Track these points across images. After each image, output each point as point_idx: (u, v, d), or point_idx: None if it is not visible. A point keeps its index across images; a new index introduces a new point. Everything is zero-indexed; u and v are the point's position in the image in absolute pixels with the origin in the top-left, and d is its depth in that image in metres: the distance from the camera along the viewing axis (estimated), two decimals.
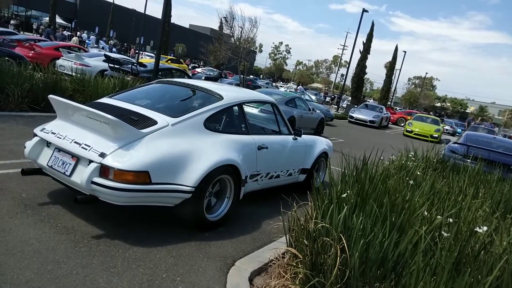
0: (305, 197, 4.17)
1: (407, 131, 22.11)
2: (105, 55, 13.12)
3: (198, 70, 36.97)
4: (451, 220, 3.37)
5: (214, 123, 4.08)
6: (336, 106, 35.05)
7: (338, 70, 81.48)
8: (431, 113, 52.95)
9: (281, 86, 53.88)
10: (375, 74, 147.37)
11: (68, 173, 3.41)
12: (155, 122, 3.61)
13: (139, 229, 3.70)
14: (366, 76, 41.08)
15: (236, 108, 4.42)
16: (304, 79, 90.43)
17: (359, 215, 2.84)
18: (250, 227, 4.30)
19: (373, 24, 35.13)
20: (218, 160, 3.68)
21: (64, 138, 3.51)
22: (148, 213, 4.07)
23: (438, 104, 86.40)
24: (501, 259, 2.75)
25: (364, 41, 35.56)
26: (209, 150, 3.70)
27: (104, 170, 3.22)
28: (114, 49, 34.73)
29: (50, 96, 3.78)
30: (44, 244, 3.12)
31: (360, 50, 36.35)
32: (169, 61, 31.99)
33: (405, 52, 47.17)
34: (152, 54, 40.08)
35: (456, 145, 9.49)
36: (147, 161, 3.28)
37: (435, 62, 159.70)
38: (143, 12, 41.90)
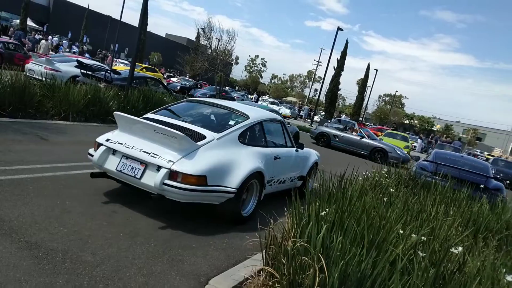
0: (282, 212, 4.11)
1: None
2: (78, 61, 12.73)
3: (173, 79, 36.59)
4: (425, 238, 3.41)
5: (244, 138, 4.96)
6: (309, 120, 35.53)
7: (312, 85, 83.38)
8: (401, 129, 54.75)
9: (253, 98, 54.16)
10: (348, 90, 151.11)
11: (138, 176, 4.19)
12: (204, 137, 4.52)
13: (108, 245, 3.53)
14: (339, 91, 42.06)
15: (258, 125, 5.34)
16: (279, 93, 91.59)
17: (338, 233, 2.80)
18: (225, 243, 4.19)
19: (347, 42, 36.04)
20: (251, 168, 4.61)
21: (132, 148, 4.31)
22: (118, 226, 3.90)
23: (407, 121, 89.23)
24: (475, 279, 2.78)
25: (338, 58, 36.35)
26: (244, 160, 4.61)
27: (173, 174, 4.04)
28: (87, 55, 33.94)
29: (116, 113, 4.59)
30: (4, 260, 2.91)
31: (334, 67, 37.13)
32: (144, 70, 31.55)
33: (376, 70, 48.64)
34: (127, 62, 39.47)
35: (425, 162, 9.74)
36: (205, 167, 4.16)
37: (405, 81, 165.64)
38: (118, 18, 41.36)
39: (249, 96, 50.11)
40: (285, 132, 6.13)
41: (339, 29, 28.77)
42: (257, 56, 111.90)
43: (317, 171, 6.99)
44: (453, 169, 8.55)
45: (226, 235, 4.38)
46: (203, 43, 20.32)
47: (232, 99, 26.06)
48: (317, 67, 77.08)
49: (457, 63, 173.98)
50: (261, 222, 3.81)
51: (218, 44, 17.84)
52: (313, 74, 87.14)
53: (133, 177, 4.23)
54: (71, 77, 12.43)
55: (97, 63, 16.59)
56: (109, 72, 12.30)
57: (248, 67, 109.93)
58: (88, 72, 12.16)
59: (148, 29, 49.23)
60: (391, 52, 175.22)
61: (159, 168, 4.11)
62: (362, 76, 47.35)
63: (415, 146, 33.93)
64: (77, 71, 12.62)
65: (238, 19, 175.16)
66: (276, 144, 5.90)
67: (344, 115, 51.60)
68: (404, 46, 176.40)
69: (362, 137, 17.17)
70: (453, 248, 2.84)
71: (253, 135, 5.20)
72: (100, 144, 4.56)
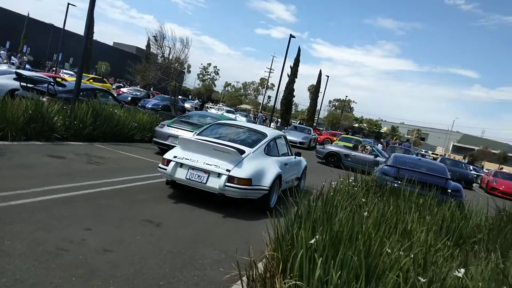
0: (259, 237, 3.71)
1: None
2: (17, 73, 11.57)
3: (124, 90, 35.07)
4: (412, 255, 3.16)
5: (266, 150, 6.82)
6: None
7: (265, 92, 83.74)
8: (350, 132, 54.87)
9: (210, 107, 53.29)
10: (299, 96, 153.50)
11: (204, 182, 5.88)
12: (244, 151, 6.30)
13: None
14: (293, 98, 42.48)
15: (273, 140, 7.22)
16: (234, 101, 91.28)
17: (332, 266, 2.45)
18: (195, 275, 3.72)
19: (299, 50, 36.64)
20: (276, 172, 6.45)
21: (197, 161, 5.96)
22: (69, 268, 3.31)
23: (356, 125, 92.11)
24: None
25: (292, 66, 36.69)
26: (270, 167, 6.45)
27: (231, 179, 5.78)
28: (28, 66, 31.69)
29: (181, 137, 6.56)
30: None
31: (288, 74, 37.41)
32: (92, 80, 29.99)
33: (328, 76, 49.77)
34: (72, 72, 37.41)
35: (387, 167, 9.79)
36: (251, 173, 5.93)
37: (352, 86, 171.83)
38: (61, 27, 39.19)
39: (206, 106, 49.54)
40: (287, 144, 8.15)
41: (291, 36, 29.04)
42: (209, 64, 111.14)
43: (306, 173, 9.00)
44: (413, 172, 8.61)
45: (197, 265, 3.91)
46: (154, 52, 19.52)
47: (183, 110, 25.37)
48: (269, 74, 77.62)
49: (399, 68, 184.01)
50: (239, 244, 3.38)
51: (170, 52, 17.18)
52: (266, 82, 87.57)
53: (199, 183, 5.92)
54: (9, 91, 11.27)
55: (40, 74, 15.24)
56: (53, 84, 11.27)
57: (201, 76, 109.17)
58: (28, 85, 11.08)
59: (94, 38, 47.12)
60: (338, 59, 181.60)
61: (219, 175, 5.83)
62: (314, 82, 48.57)
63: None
64: (16, 84, 11.46)
65: (188, 27, 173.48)
66: (283, 153, 7.67)
67: (298, 121, 52.27)
68: (350, 52, 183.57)
69: (376, 155, 16.73)
70: (456, 271, 2.59)
71: (271, 148, 7.07)
72: (169, 160, 6.11)
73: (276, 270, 2.69)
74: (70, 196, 5.29)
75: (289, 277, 2.46)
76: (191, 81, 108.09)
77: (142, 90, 35.10)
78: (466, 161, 34.32)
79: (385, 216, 4.26)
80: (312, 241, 2.65)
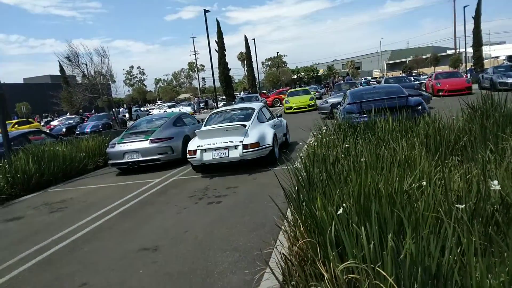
0: (259, 221, 3.39)
1: (287, 108, 23.23)
2: None
3: (54, 123, 32.49)
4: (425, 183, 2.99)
5: (259, 119, 8.75)
6: (205, 111, 34.71)
7: (198, 75, 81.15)
8: (298, 85, 54.87)
9: (151, 109, 51.15)
10: (235, 68, 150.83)
11: (227, 155, 7.72)
12: (245, 125, 8.13)
13: None
14: (229, 72, 41.64)
15: (260, 110, 9.14)
16: (170, 94, 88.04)
17: (375, 230, 2.18)
18: (222, 287, 3.38)
19: (218, 22, 35.53)
20: (273, 132, 8.41)
21: (216, 143, 7.77)
22: None
23: (295, 76, 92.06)
24: None
25: (217, 40, 35.75)
26: (266, 129, 8.37)
27: (245, 146, 7.63)
28: None
29: (197, 131, 8.26)
30: None
31: (216, 50, 36.44)
32: (17, 125, 27.63)
33: (254, 39, 49.31)
34: None
35: (349, 105, 9.69)
36: (257, 137, 7.81)
37: (278, 41, 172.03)
38: None
39: (147, 109, 47.23)
40: (268, 110, 9.97)
41: (206, 11, 28.05)
42: (131, 67, 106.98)
43: (288, 129, 10.65)
44: (375, 102, 8.59)
45: (218, 276, 3.56)
46: (71, 73, 18.06)
47: (124, 122, 24.11)
48: (195, 56, 75.51)
49: (314, 9, 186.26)
50: (245, 237, 3.05)
51: (91, 67, 15.89)
52: (195, 64, 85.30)
53: (224, 157, 7.72)
54: None
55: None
56: None
57: (127, 81, 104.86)
58: None
59: (1, 82, 43.24)
60: (256, 19, 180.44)
61: (236, 147, 7.66)
62: (243, 50, 47.78)
63: (319, 95, 34.93)
64: None
65: (95, 37, 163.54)
66: (269, 118, 9.44)
67: (242, 92, 51.34)
68: (264, 10, 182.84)
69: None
70: (492, 184, 2.43)
71: (261, 117, 8.94)
72: (195, 150, 7.86)
73: (314, 255, 2.39)
74: (47, 256, 4.67)
75: (331, 260, 2.17)
76: (121, 90, 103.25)
77: (73, 116, 32.76)
78: (405, 75, 35.80)
79: (379, 156, 4.07)
80: (340, 211, 2.36)
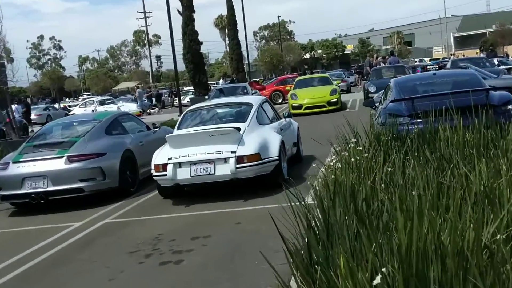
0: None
1: (294, 107, 15.56)
2: None
3: None
4: None
5: (259, 119, 6.48)
6: (155, 109, 26.03)
7: (150, 51, 51.16)
8: (308, 71, 34.91)
9: (71, 106, 33.37)
10: (210, 41, 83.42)
11: (212, 173, 5.55)
12: (239, 128, 5.94)
13: None
14: (201, 45, 26.84)
15: (261, 107, 6.77)
16: (103, 83, 58.17)
17: None
18: None
19: None
20: (279, 139, 6.15)
21: (196, 155, 5.57)
22: None
23: (307, 56, 62.58)
24: None
25: None
26: (270, 135, 6.15)
27: (239, 159, 5.48)
28: None
29: (168, 136, 6.03)
30: None
31: (179, 11, 22.67)
32: None
33: None
34: None
35: (393, 104, 6.33)
36: (256, 147, 5.65)
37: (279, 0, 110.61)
38: None
39: (67, 106, 32.68)
40: (272, 107, 7.58)
41: None
42: (41, 38, 67.58)
43: (300, 136, 7.81)
44: (435, 98, 5.80)
45: None
46: None
47: (25, 127, 17.98)
48: (145, 21, 48.23)
49: None
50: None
51: None
52: (144, 35, 54.70)
53: (208, 175, 5.56)
54: None
55: None
56: None
57: (34, 60, 68.58)
58: None
59: None
60: None
61: (225, 160, 5.48)
62: (223, 12, 31.98)
63: (345, 85, 23.99)
64: None
65: None
66: (272, 118, 7.09)
67: (222, 80, 30.57)
68: None
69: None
70: None
71: (261, 116, 6.63)
72: (165, 165, 5.62)
73: None
74: None
75: None
76: (22, 74, 56.43)
77: None
78: (485, 55, 23.80)
79: (442, 188, 3.01)
80: (378, 280, 1.76)
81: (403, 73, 15.49)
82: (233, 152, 5.48)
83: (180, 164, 5.60)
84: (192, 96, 26.94)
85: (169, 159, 5.62)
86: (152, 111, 26.29)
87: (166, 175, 5.59)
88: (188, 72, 25.76)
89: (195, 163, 5.56)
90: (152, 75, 49.52)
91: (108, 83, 59.07)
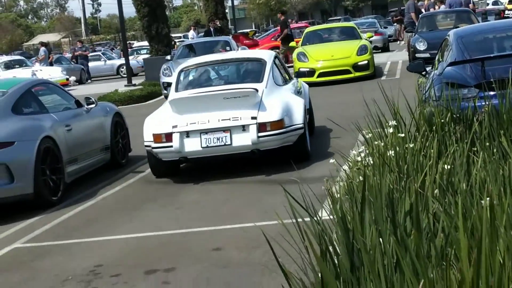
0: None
1: (301, 73, 10.45)
2: None
3: None
4: None
5: (275, 79, 5.60)
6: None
7: None
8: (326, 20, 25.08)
9: None
10: None
11: (228, 143, 4.77)
12: (257, 89, 5.02)
13: None
14: None
15: (274, 64, 5.84)
16: (12, 36, 42.17)
17: None
18: None
19: None
20: (303, 103, 5.46)
21: (208, 121, 4.76)
22: None
23: None
24: None
25: None
26: (291, 98, 5.37)
27: (261, 126, 4.71)
28: None
29: (172, 99, 5.10)
30: None
31: None
32: None
33: None
34: None
35: (452, 69, 4.64)
36: (280, 112, 4.84)
37: None
38: None
39: None
40: (283, 64, 6.69)
41: None
42: None
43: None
44: None
45: None
46: None
47: None
48: None
49: None
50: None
51: None
52: None
53: (223, 146, 4.79)
54: None
55: None
56: None
57: None
58: None
59: None
60: None
61: (244, 127, 4.73)
62: None
63: (381, 40, 18.48)
64: None
65: None
66: (285, 78, 6.15)
67: (193, 31, 20.95)
68: None
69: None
70: None
71: (277, 75, 5.75)
72: (169, 134, 4.75)
73: None
74: None
75: None
76: None
77: None
78: None
79: None
80: None
81: (469, 21, 11.05)
82: (254, 118, 4.72)
83: (188, 133, 4.80)
84: (147, 56, 18.20)
85: (174, 127, 4.79)
86: (71, 78, 18.11)
87: (171, 146, 4.73)
88: (140, 20, 16.58)
89: (206, 131, 4.78)
90: (86, 23, 35.06)
91: (17, 36, 42.90)
